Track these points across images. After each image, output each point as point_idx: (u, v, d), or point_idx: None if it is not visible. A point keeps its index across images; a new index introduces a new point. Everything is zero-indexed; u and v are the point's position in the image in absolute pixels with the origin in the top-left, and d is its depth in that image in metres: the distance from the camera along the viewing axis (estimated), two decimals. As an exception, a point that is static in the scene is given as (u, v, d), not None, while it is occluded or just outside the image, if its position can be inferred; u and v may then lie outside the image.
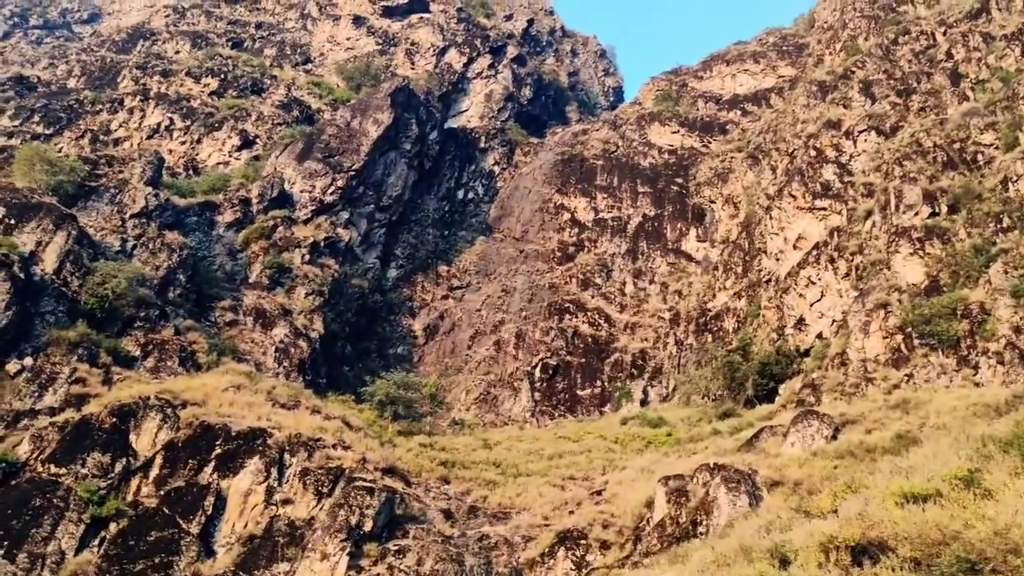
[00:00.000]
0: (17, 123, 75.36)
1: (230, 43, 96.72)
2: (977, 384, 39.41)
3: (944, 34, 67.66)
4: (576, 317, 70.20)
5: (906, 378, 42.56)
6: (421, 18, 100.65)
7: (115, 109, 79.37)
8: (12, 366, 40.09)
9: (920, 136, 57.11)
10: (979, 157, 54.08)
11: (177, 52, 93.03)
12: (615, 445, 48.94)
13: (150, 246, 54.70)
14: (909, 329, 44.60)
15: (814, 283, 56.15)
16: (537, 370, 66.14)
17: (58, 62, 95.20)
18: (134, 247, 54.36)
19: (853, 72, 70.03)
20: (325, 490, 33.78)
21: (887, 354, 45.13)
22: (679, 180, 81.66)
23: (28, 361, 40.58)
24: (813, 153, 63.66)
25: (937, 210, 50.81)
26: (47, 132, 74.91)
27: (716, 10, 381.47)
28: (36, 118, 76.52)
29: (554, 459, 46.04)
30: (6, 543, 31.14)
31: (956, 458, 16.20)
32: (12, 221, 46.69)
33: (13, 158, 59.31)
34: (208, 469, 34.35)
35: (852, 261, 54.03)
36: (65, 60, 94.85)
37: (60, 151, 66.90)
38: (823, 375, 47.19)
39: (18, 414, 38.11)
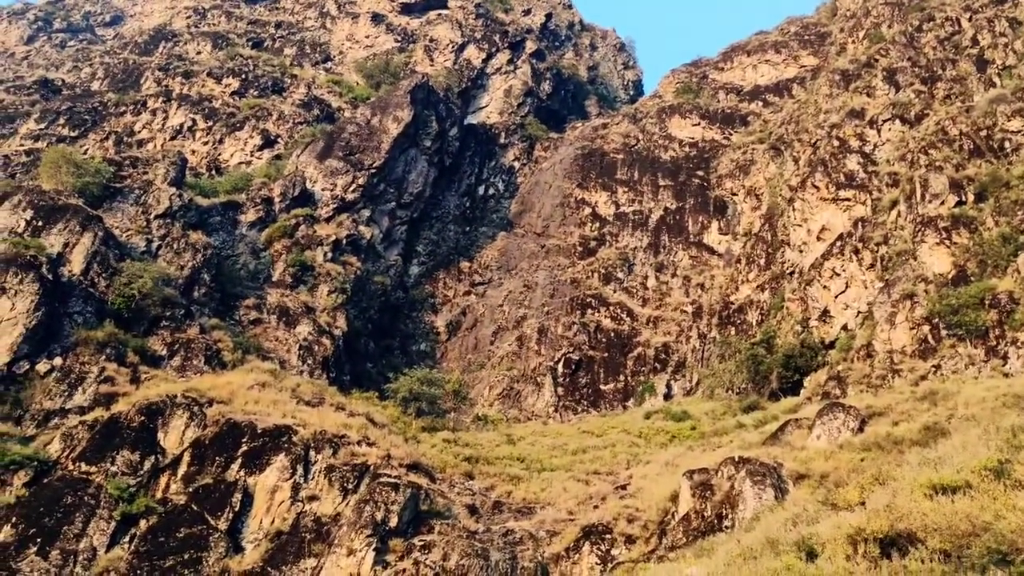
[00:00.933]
0: (43, 126, 76.41)
1: (250, 43, 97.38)
2: (1006, 374, 38.85)
3: (969, 20, 66.71)
4: (598, 312, 70.05)
5: (933, 369, 42.08)
6: (439, 14, 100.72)
7: (138, 111, 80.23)
8: (42, 366, 40.71)
9: (946, 124, 56.38)
10: (1006, 144, 53.30)
11: (198, 53, 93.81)
12: (639, 439, 48.81)
13: (175, 246, 55.26)
14: (936, 320, 44.09)
15: (839, 274, 55.64)
16: (560, 365, 66.09)
17: (82, 65, 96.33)
18: (159, 247, 54.94)
19: (877, 60, 69.25)
20: (350, 486, 34.02)
21: (914, 345, 44.65)
22: (700, 173, 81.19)
23: (57, 361, 41.18)
24: (836, 143, 63.04)
25: (964, 199, 50.15)
26: (72, 135, 75.87)
27: (736, 0, 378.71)
28: (61, 121, 77.52)
29: (578, 454, 46.02)
30: (39, 540, 31.65)
31: (986, 449, 16.02)
32: (40, 223, 47.39)
33: (40, 161, 60.19)
34: (235, 466, 34.71)
35: (877, 252, 53.48)
36: (89, 63, 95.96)
37: (85, 153, 67.74)
38: (849, 367, 46.77)
39: (48, 413, 38.72)
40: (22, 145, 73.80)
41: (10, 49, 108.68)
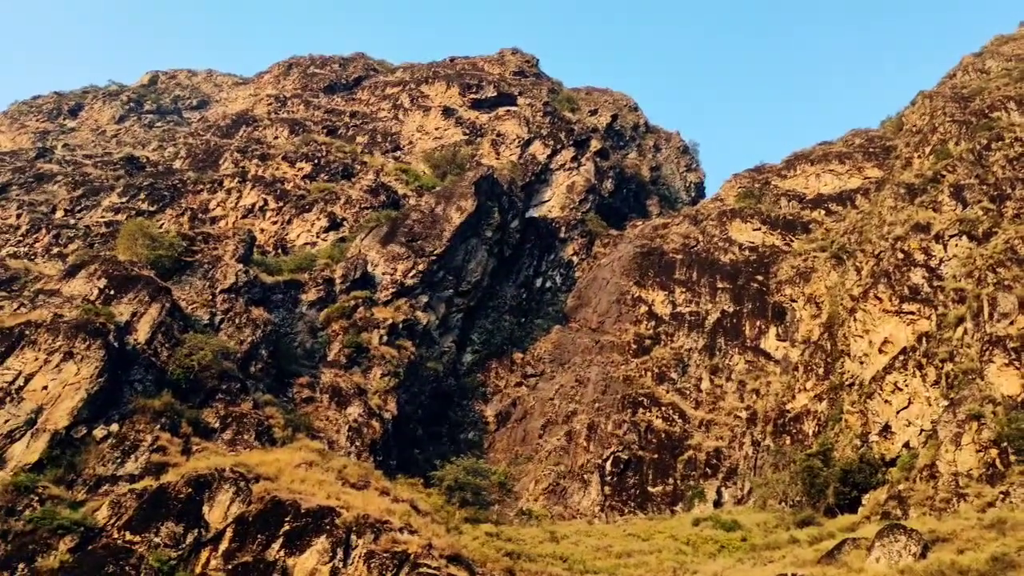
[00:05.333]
0: (124, 200, 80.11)
1: (325, 130, 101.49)
2: (1081, 507, 36.87)
3: (1040, 140, 66.16)
4: (650, 411, 68.94)
5: (1001, 496, 40.12)
6: (508, 111, 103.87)
7: (215, 189, 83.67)
8: (99, 431, 41.55)
9: (1015, 243, 55.32)
10: (1079, 266, 51.96)
11: (276, 138, 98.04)
12: (686, 547, 47.21)
13: (236, 321, 56.60)
14: (1004, 444, 42.31)
15: (901, 389, 54.06)
16: (608, 463, 64.80)
17: (166, 144, 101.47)
18: (221, 321, 56.34)
19: (943, 176, 68.75)
20: (389, 574, 33.47)
21: (980, 469, 42.78)
22: (759, 277, 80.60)
23: (114, 427, 42.01)
24: (901, 256, 62.20)
25: (1034, 320, 48.71)
26: (151, 209, 79.32)
27: (801, 109, 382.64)
28: (142, 196, 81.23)
29: (623, 557, 44.64)
30: (77, 607, 31.68)
31: (1059, 588, 15.12)
32: (112, 292, 49.20)
33: (118, 232, 62.91)
34: (276, 545, 34.55)
35: (942, 369, 51.94)
36: (173, 143, 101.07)
37: (162, 227, 70.63)
38: (910, 487, 44.91)
39: (100, 479, 39.31)
40: (103, 217, 77.33)
41: (102, 127, 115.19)
